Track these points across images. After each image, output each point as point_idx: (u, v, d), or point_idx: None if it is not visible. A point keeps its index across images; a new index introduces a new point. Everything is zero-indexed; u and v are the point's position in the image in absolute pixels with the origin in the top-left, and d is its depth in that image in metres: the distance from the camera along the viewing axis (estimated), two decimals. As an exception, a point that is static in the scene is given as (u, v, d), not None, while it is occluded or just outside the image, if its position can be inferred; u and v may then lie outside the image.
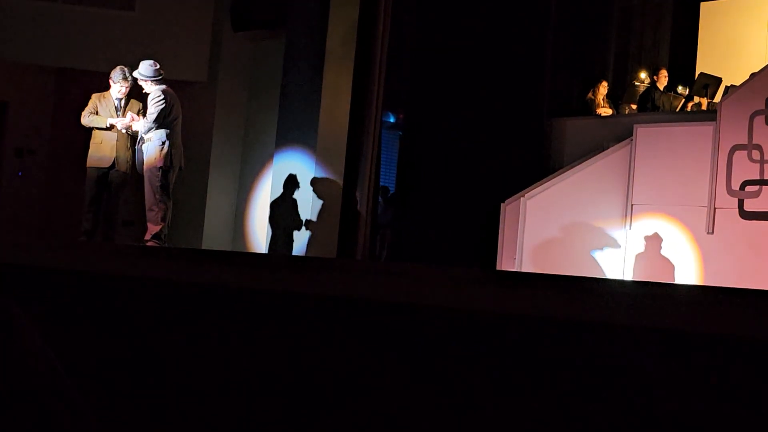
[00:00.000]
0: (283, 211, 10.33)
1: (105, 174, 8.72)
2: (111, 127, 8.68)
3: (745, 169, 8.52)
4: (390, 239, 12.12)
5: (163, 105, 8.51)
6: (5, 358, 1.48)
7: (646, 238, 9.11)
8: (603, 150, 9.66)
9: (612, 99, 11.55)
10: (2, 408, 1.44)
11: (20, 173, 12.73)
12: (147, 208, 8.54)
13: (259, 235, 11.53)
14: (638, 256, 9.17)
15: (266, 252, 10.45)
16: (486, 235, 9.84)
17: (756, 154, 8.47)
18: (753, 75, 8.98)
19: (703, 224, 8.72)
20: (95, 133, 8.75)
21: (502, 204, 9.69)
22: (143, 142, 8.55)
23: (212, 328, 3.02)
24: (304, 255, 9.97)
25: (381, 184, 12.37)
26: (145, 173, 8.53)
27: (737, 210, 8.54)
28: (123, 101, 8.80)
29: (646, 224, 9.14)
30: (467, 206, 10.01)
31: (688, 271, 8.81)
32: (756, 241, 8.39)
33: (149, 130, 8.50)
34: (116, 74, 8.78)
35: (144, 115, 8.65)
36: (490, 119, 10.15)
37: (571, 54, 11.46)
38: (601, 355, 2.21)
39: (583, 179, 9.47)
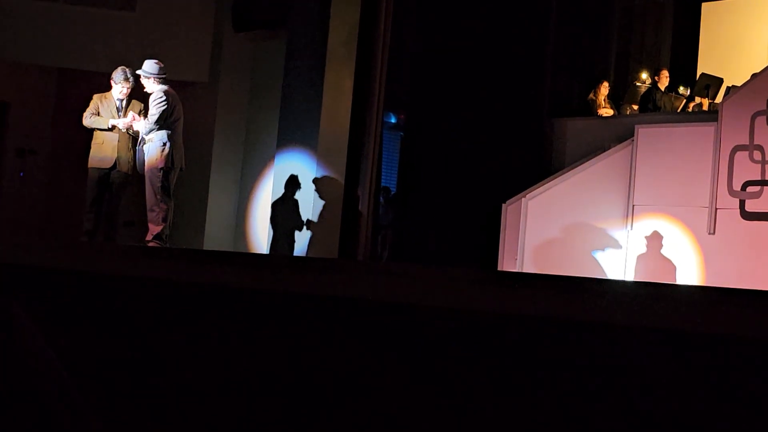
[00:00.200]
0: (285, 212, 10.33)
1: (106, 174, 8.73)
2: (112, 128, 8.69)
3: (746, 169, 8.52)
4: (391, 240, 12.11)
5: (165, 106, 8.51)
6: (6, 357, 1.48)
7: (648, 238, 9.11)
8: (604, 150, 9.66)
9: (613, 99, 11.55)
10: (3, 407, 1.44)
11: (21, 173, 12.73)
12: (148, 208, 8.54)
13: (261, 236, 11.53)
14: (639, 257, 9.17)
15: (267, 252, 10.45)
16: (487, 236, 9.84)
17: (757, 155, 8.46)
18: (754, 75, 8.97)
19: (705, 225, 8.72)
20: (96, 133, 8.75)
21: (503, 204, 9.69)
22: (144, 143, 8.55)
23: (213, 329, 3.02)
24: (306, 255, 9.97)
25: (382, 184, 12.37)
26: (146, 174, 8.53)
27: (738, 210, 8.53)
28: (124, 102, 8.80)
29: (647, 225, 9.14)
30: (468, 207, 10.00)
31: (689, 272, 8.81)
32: (757, 241, 8.39)
33: (150, 131, 8.50)
34: (117, 75, 8.79)
35: (145, 115, 8.65)
36: (491, 120, 10.15)
37: (572, 54, 11.45)
38: (602, 356, 2.20)
39: (584, 180, 9.46)
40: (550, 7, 10.64)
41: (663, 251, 9.01)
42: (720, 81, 10.82)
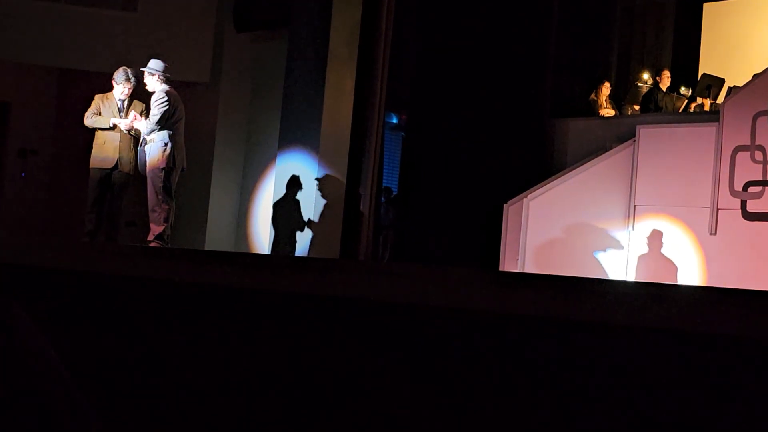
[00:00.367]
0: (286, 212, 10.33)
1: (108, 175, 8.73)
2: (114, 127, 8.69)
3: (747, 170, 8.52)
4: (392, 240, 12.11)
5: (167, 106, 8.51)
6: (8, 358, 1.48)
7: (649, 238, 9.10)
8: (606, 151, 9.65)
9: (615, 100, 11.55)
10: (5, 407, 1.44)
11: (23, 174, 12.75)
12: (150, 209, 8.54)
13: (262, 236, 11.54)
14: (641, 257, 9.17)
15: (269, 252, 10.45)
16: (489, 236, 9.84)
17: (759, 155, 8.46)
18: (756, 76, 8.96)
19: (706, 225, 8.72)
20: (98, 133, 8.76)
21: (504, 205, 9.69)
22: (146, 143, 8.55)
23: (214, 329, 3.02)
24: (307, 255, 9.97)
25: (384, 184, 12.37)
26: (147, 174, 8.53)
27: (740, 211, 8.53)
28: (126, 102, 8.81)
29: (648, 225, 9.14)
30: (470, 207, 10.00)
31: (690, 272, 8.81)
32: (759, 242, 8.38)
33: (152, 131, 8.50)
34: (119, 75, 8.79)
35: (147, 116, 8.66)
36: (492, 120, 10.14)
37: (573, 55, 11.45)
38: (603, 356, 2.20)
39: (585, 180, 9.46)
40: (551, 7, 10.63)
41: (664, 252, 9.00)
42: (721, 81, 10.81)
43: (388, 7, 10.38)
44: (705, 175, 8.76)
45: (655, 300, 2.32)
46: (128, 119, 8.69)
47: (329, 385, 2.65)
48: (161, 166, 8.47)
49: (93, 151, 8.76)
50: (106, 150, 8.72)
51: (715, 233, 8.66)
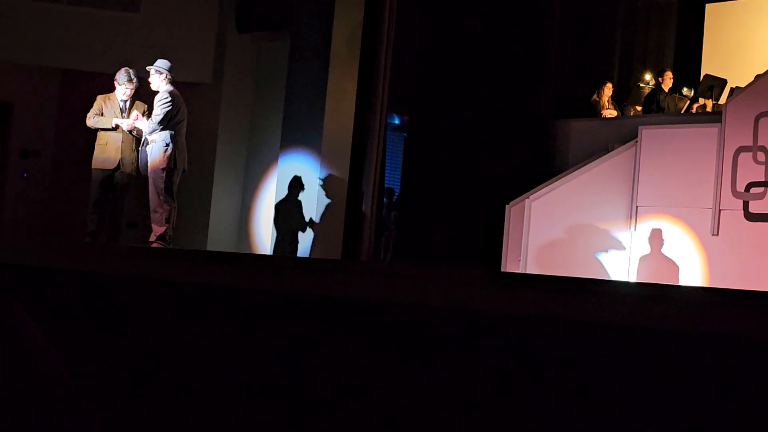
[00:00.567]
0: (288, 213, 10.33)
1: (110, 175, 8.74)
2: (116, 128, 8.69)
3: (750, 170, 8.51)
4: (394, 240, 12.11)
5: (170, 107, 8.52)
6: (10, 358, 1.48)
7: (651, 239, 9.10)
8: (608, 151, 9.65)
9: (617, 100, 11.54)
10: (7, 407, 1.45)
11: (25, 174, 12.76)
12: (151, 209, 8.54)
13: (264, 237, 11.53)
14: (643, 258, 9.16)
15: (271, 253, 10.46)
16: (491, 237, 9.83)
17: (761, 156, 8.45)
18: (758, 77, 8.96)
19: (708, 226, 8.71)
20: (100, 134, 8.76)
21: (506, 206, 9.69)
22: (147, 144, 8.55)
23: (216, 330, 3.02)
24: (309, 256, 9.97)
25: (386, 185, 12.37)
26: (149, 175, 8.53)
27: (742, 212, 8.52)
28: (128, 103, 8.81)
29: (650, 226, 9.13)
30: (472, 208, 9.99)
31: (692, 273, 8.80)
32: (761, 242, 8.38)
33: (153, 131, 8.50)
34: (121, 76, 8.79)
35: (149, 116, 8.66)
36: (494, 121, 10.14)
37: (575, 55, 11.44)
38: (604, 356, 2.20)
39: (587, 181, 9.46)
40: (553, 7, 10.63)
41: (666, 252, 9.00)
42: (724, 82, 10.80)
43: (390, 7, 10.38)
44: (707, 176, 8.76)
45: (656, 301, 2.32)
46: (130, 120, 8.69)
47: (330, 385, 2.65)
48: (162, 167, 8.47)
49: (95, 151, 8.76)
50: (108, 151, 8.72)
51: (717, 234, 8.66)
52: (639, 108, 11.58)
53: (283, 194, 10.40)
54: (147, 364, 3.10)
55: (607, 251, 9.33)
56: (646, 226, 9.17)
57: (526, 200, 9.42)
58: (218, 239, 11.90)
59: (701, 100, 11.06)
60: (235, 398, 2.82)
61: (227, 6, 12.08)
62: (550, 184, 9.55)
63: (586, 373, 2.21)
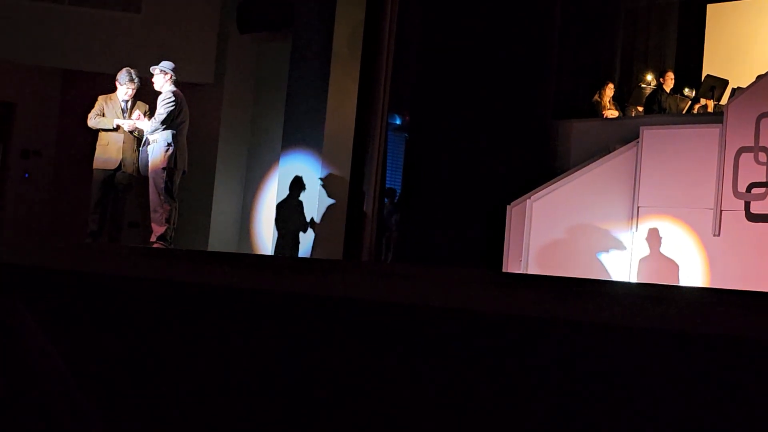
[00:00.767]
0: (289, 213, 10.33)
1: (111, 176, 8.74)
2: (117, 128, 8.70)
3: (751, 171, 8.51)
4: (395, 241, 12.11)
5: (173, 106, 8.53)
6: (12, 358, 1.48)
7: (652, 240, 9.09)
8: (609, 152, 9.65)
9: (618, 101, 11.54)
10: (9, 407, 1.45)
11: (26, 174, 12.76)
12: (151, 209, 8.55)
13: (265, 237, 11.54)
14: (644, 259, 9.16)
15: (272, 254, 10.46)
16: (492, 237, 9.83)
17: (762, 157, 8.45)
18: (760, 77, 8.96)
19: (710, 226, 8.71)
20: (102, 134, 8.77)
21: (507, 206, 9.69)
22: (148, 144, 8.56)
23: (218, 331, 3.02)
24: (310, 257, 9.98)
25: (387, 185, 12.37)
26: (149, 175, 8.54)
27: (743, 212, 8.52)
28: (129, 103, 8.82)
29: (652, 226, 9.13)
30: (473, 208, 9.99)
31: (694, 274, 8.80)
32: (762, 243, 8.37)
33: (156, 130, 8.51)
34: (122, 76, 8.80)
35: (150, 116, 8.67)
36: (495, 121, 10.14)
37: (577, 56, 11.44)
38: (605, 357, 2.20)
39: (589, 181, 9.45)
40: (554, 8, 10.63)
41: (668, 253, 9.00)
42: (725, 82, 10.80)
43: (391, 7, 10.38)
44: (708, 177, 8.76)
45: (656, 301, 2.32)
46: (132, 120, 8.70)
47: (330, 385, 2.65)
48: (163, 166, 8.48)
49: (96, 152, 8.77)
50: (109, 151, 8.73)
51: (719, 235, 8.65)
52: (640, 108, 11.58)
53: (285, 194, 10.41)
54: (147, 364, 3.10)
55: (608, 252, 9.33)
56: (647, 226, 9.17)
57: (528, 201, 9.43)
58: (219, 240, 11.90)
59: (702, 101, 11.06)
60: (235, 398, 2.82)
61: (228, 6, 12.08)
62: (552, 184, 9.55)
63: (586, 373, 2.21)
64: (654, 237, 9.09)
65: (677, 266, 8.91)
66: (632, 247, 9.27)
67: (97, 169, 8.76)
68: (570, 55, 11.18)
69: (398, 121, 14.10)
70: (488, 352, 2.41)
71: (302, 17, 10.75)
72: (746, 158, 8.55)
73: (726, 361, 2.02)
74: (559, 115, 10.74)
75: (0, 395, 1.45)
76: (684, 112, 11.11)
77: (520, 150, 10.18)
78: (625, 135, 9.74)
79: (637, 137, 9.37)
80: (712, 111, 10.55)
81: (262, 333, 2.91)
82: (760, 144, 8.47)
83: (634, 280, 9.09)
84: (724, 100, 10.38)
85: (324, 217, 10.27)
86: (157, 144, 8.51)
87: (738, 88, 9.80)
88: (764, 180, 8.42)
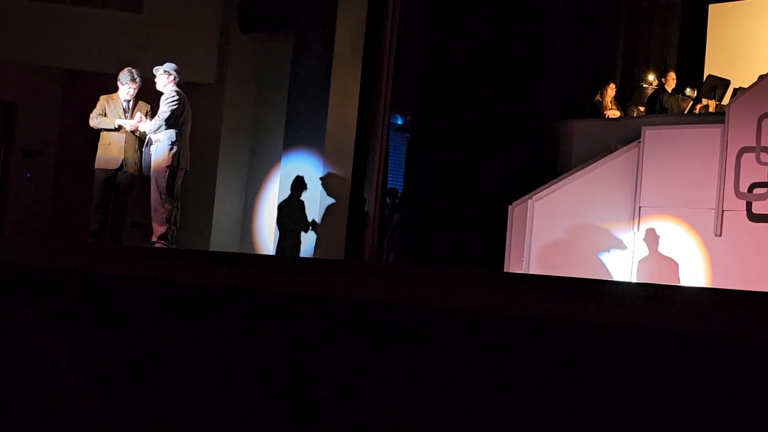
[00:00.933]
0: (291, 213, 10.34)
1: (113, 175, 8.75)
2: (119, 128, 8.70)
3: (753, 171, 8.51)
4: (397, 241, 12.11)
5: (176, 106, 8.54)
6: (14, 358, 1.48)
7: (654, 240, 9.09)
8: (611, 152, 9.65)
9: (620, 101, 11.53)
10: (10, 407, 1.45)
11: (28, 174, 12.77)
12: (152, 208, 8.56)
13: (267, 237, 11.54)
14: (646, 259, 9.16)
15: (273, 253, 10.46)
16: (494, 237, 9.83)
17: (764, 157, 8.45)
18: (761, 77, 8.95)
19: (711, 227, 8.71)
20: (103, 134, 8.78)
21: (509, 206, 9.69)
22: (151, 144, 8.57)
23: (219, 331, 3.02)
24: (312, 256, 9.98)
25: (389, 185, 12.37)
26: (151, 174, 8.55)
27: (745, 212, 8.52)
28: (131, 103, 8.83)
29: (653, 226, 9.13)
30: (475, 208, 10.00)
31: (695, 274, 8.79)
32: (764, 243, 8.37)
33: (158, 128, 8.52)
34: (124, 76, 8.81)
35: (152, 117, 8.68)
36: (497, 121, 10.14)
37: (578, 56, 11.45)
38: (605, 357, 2.20)
39: (590, 181, 9.45)
40: (556, 8, 10.63)
41: (669, 253, 8.99)
42: (727, 82, 10.80)
43: (393, 8, 10.38)
44: (710, 177, 8.75)
45: (657, 301, 2.32)
46: (133, 120, 8.71)
47: (330, 385, 2.66)
48: (166, 164, 8.48)
49: (98, 151, 8.78)
50: (111, 151, 8.73)
51: (720, 235, 8.65)
52: (642, 108, 11.57)
53: (286, 194, 10.41)
54: (147, 364, 3.10)
55: (609, 252, 9.33)
56: (648, 226, 9.17)
57: (529, 201, 9.43)
58: (221, 239, 11.90)
59: (704, 101, 11.06)
60: (236, 398, 2.83)
61: (230, 6, 12.08)
62: (553, 184, 9.55)
63: (586, 373, 2.21)
64: (655, 237, 9.09)
65: (678, 266, 8.91)
66: (634, 247, 9.27)
67: (98, 168, 8.77)
68: (572, 55, 11.18)
69: (400, 121, 14.11)
70: (489, 352, 2.41)
71: (304, 17, 10.75)
72: (748, 158, 8.55)
73: (726, 362, 2.02)
74: (560, 115, 10.74)
75: (0, 395, 1.46)
76: (686, 112, 11.11)
77: (521, 150, 10.19)
78: (626, 135, 9.74)
79: (639, 137, 9.37)
80: (713, 111, 10.54)
81: (263, 333, 2.91)
82: (762, 144, 8.47)
83: (635, 280, 9.09)
84: (725, 100, 10.38)
85: (325, 216, 10.27)
86: (161, 143, 8.52)
87: (740, 88, 9.80)
88: (766, 180, 8.42)
